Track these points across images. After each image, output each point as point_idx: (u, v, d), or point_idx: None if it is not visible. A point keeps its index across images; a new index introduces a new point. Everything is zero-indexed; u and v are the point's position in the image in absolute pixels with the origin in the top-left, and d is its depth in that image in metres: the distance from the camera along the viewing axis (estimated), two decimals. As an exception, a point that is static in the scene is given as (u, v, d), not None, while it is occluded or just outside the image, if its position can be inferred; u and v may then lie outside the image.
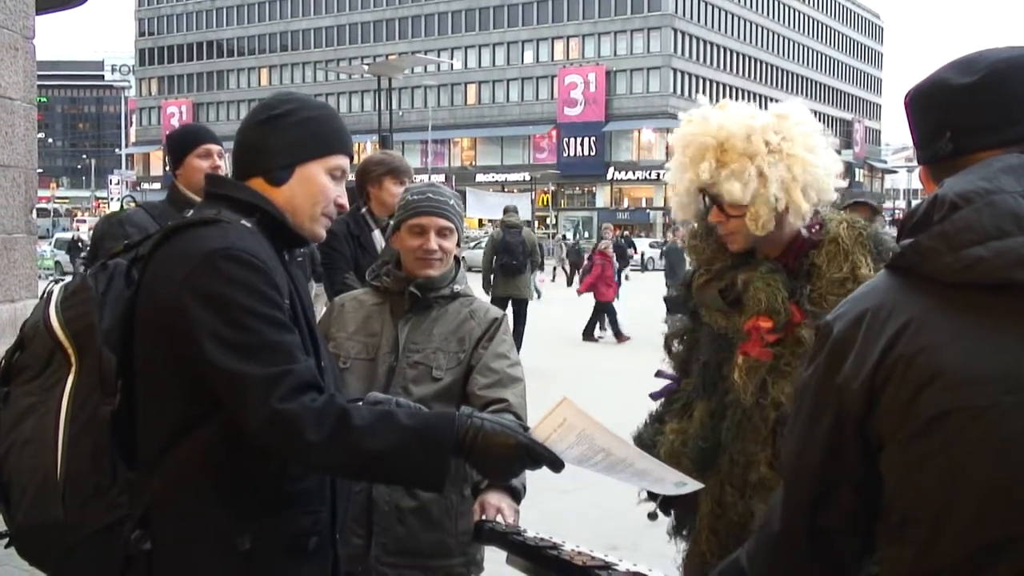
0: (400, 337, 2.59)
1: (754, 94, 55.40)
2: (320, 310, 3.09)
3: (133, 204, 4.06)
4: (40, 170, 7.32)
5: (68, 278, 1.88)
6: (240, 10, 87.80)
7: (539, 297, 22.46)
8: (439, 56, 62.16)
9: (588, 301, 16.70)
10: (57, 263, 32.31)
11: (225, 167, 3.64)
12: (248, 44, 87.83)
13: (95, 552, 1.73)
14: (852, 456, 1.27)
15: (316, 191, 1.87)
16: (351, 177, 3.08)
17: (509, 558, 1.95)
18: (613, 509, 5.13)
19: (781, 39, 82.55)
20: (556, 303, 22.26)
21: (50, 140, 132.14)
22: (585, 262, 18.09)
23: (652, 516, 2.54)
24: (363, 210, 4.38)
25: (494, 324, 2.62)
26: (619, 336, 15.69)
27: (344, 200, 1.93)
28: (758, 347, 2.23)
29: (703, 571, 2.34)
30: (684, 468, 2.33)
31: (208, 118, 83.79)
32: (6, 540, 1.83)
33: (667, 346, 2.55)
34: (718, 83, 69.81)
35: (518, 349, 2.73)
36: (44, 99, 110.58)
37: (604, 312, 15.85)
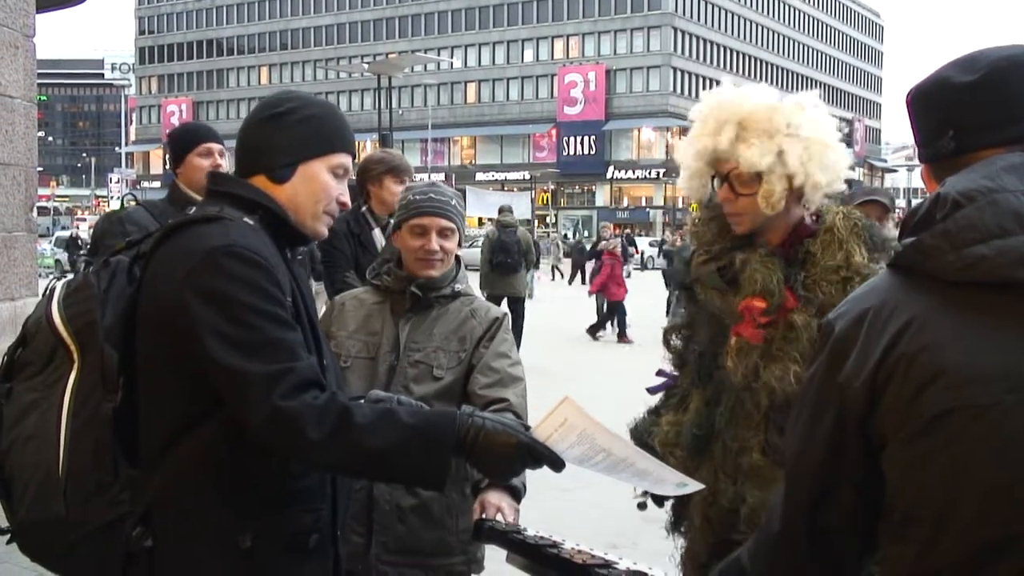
0: (401, 336, 2.59)
1: (754, 93, 54.94)
2: (320, 308, 3.09)
3: (133, 202, 4.06)
4: (40, 168, 7.33)
5: (70, 276, 1.88)
6: (240, 8, 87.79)
7: (531, 296, 22.48)
8: (439, 55, 62.13)
9: (587, 300, 16.72)
10: (57, 261, 32.30)
11: (226, 166, 3.64)
12: (248, 43, 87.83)
13: (96, 549, 1.74)
14: (853, 455, 1.27)
15: (318, 189, 1.87)
16: (352, 175, 3.08)
17: (509, 557, 1.96)
18: (613, 508, 5.13)
19: (781, 38, 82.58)
20: (557, 302, 22.27)
21: (50, 138, 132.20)
22: (593, 262, 18.04)
23: (642, 507, 2.54)
24: (363, 209, 4.38)
25: (495, 323, 2.62)
26: (622, 337, 15.66)
27: (346, 198, 1.93)
28: (750, 328, 2.26)
29: (702, 568, 2.35)
30: (678, 457, 2.37)
31: (208, 116, 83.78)
32: (8, 536, 1.83)
33: (666, 340, 2.56)
34: (718, 82, 69.49)
35: (517, 348, 2.73)
36: (44, 97, 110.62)
37: (616, 311, 15.81)
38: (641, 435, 2.50)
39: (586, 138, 71.46)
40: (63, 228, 44.68)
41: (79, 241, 31.28)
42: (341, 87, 77.64)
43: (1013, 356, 1.16)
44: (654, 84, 71.09)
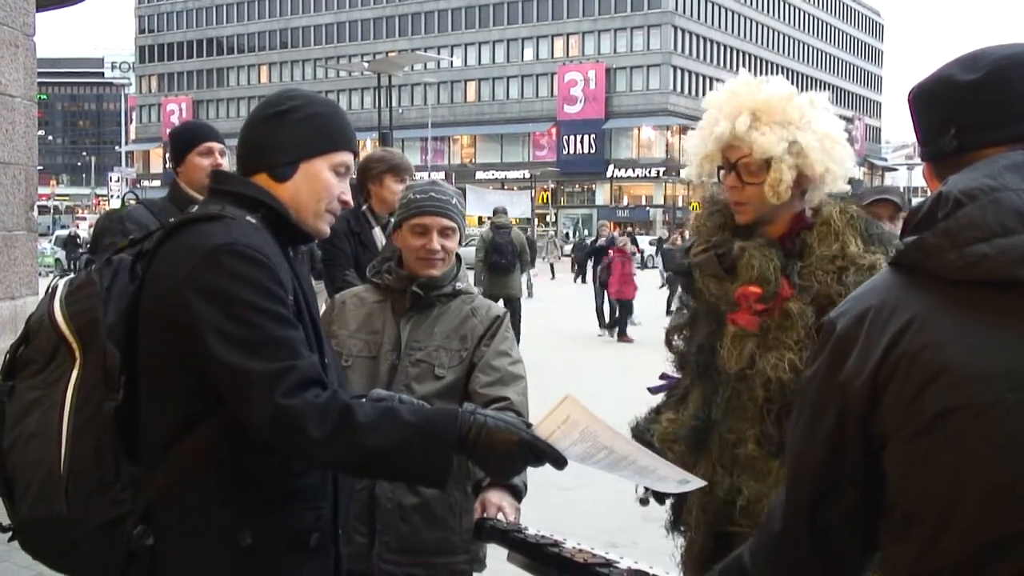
0: (402, 335, 2.59)
1: (754, 92, 54.93)
2: (320, 307, 3.09)
3: (134, 201, 4.07)
4: (40, 167, 7.33)
5: (72, 274, 1.89)
6: (240, 7, 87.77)
7: (530, 295, 22.48)
8: (439, 53, 62.11)
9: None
10: (57, 260, 32.33)
11: (226, 165, 3.64)
12: (248, 41, 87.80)
13: (98, 547, 1.74)
14: (854, 454, 1.27)
15: (320, 187, 1.87)
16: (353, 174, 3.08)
17: (510, 556, 1.96)
18: (613, 507, 5.13)
19: (781, 36, 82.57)
20: (557, 301, 22.27)
21: (50, 137, 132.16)
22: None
23: (644, 503, 2.54)
24: (364, 207, 4.38)
25: (496, 322, 2.62)
26: (623, 336, 15.64)
27: (348, 196, 1.93)
28: (746, 315, 2.29)
29: (702, 567, 2.36)
30: (676, 452, 2.39)
31: (208, 115, 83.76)
32: (9, 534, 1.84)
33: (668, 341, 2.57)
34: (718, 80, 69.48)
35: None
36: (44, 96, 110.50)
37: (623, 309, 15.76)
38: (642, 433, 2.52)
39: (586, 137, 71.45)
40: (62, 227, 44.70)
41: (78, 240, 31.30)
42: (341, 86, 77.60)
43: (1014, 354, 1.16)
44: (654, 83, 71.07)
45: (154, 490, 1.74)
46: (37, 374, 1.79)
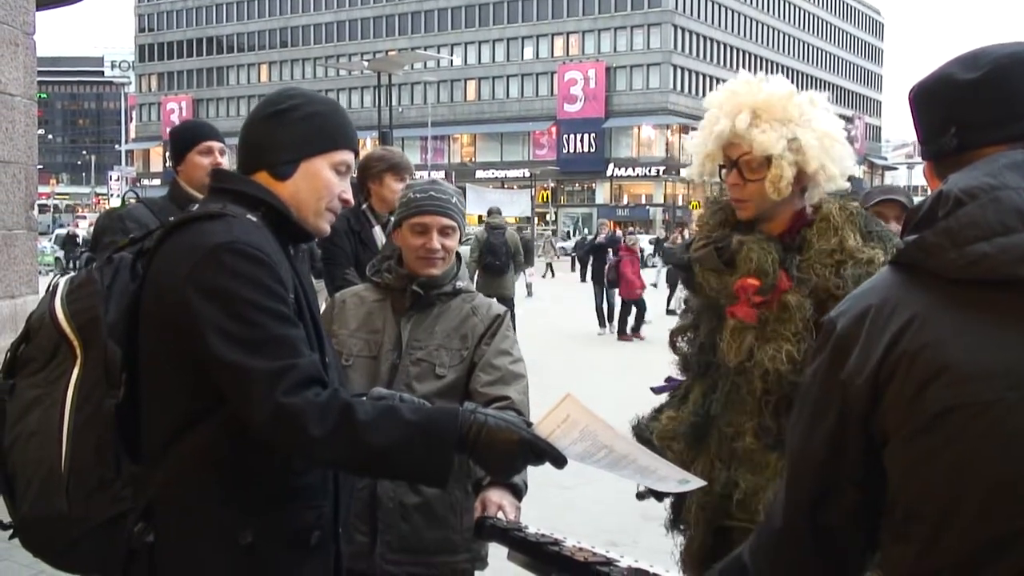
0: (403, 335, 2.58)
1: (754, 91, 54.90)
2: (320, 305, 3.09)
3: (134, 200, 4.07)
4: (40, 166, 7.33)
5: (73, 273, 1.89)
6: (240, 6, 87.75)
7: (530, 295, 22.48)
8: (439, 52, 62.13)
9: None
10: (57, 259, 32.35)
11: (226, 164, 3.64)
12: (248, 40, 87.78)
13: (98, 545, 1.74)
14: (855, 452, 1.27)
15: (320, 186, 1.87)
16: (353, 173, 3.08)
17: (510, 554, 1.96)
18: (613, 506, 5.13)
19: (781, 35, 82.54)
20: (557, 300, 22.27)
21: (50, 136, 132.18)
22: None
23: (641, 497, 2.55)
24: (364, 206, 4.38)
25: (496, 320, 2.62)
26: (622, 333, 15.61)
27: (348, 195, 1.93)
28: (745, 307, 2.31)
29: (701, 563, 2.37)
30: (676, 451, 2.42)
31: (208, 114, 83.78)
32: (10, 532, 1.84)
33: (672, 343, 2.58)
34: (718, 79, 69.42)
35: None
36: (44, 95, 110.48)
37: (637, 307, 15.66)
38: (642, 432, 2.53)
39: (586, 136, 71.45)
40: (60, 226, 44.74)
41: (76, 239, 31.31)
42: (341, 85, 77.61)
43: (1015, 353, 1.16)
44: (654, 82, 71.07)
45: (155, 488, 1.74)
46: (38, 372, 1.79)
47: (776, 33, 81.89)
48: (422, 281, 2.59)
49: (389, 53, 49.91)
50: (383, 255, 2.79)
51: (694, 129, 2.48)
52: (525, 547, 1.91)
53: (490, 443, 1.72)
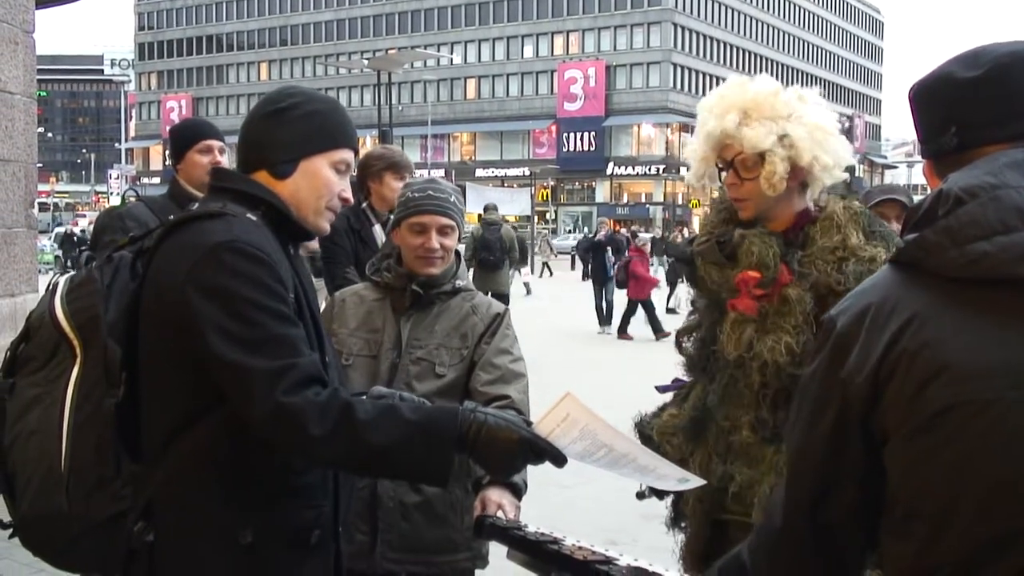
0: (403, 334, 2.58)
1: (754, 89, 54.89)
2: (320, 304, 3.09)
3: (134, 198, 4.07)
4: (40, 164, 7.33)
5: (73, 272, 1.89)
6: (239, 4, 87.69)
7: (528, 293, 22.48)
8: (439, 51, 62.14)
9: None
10: (57, 258, 32.35)
11: (226, 163, 3.64)
12: (247, 38, 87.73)
13: (98, 543, 1.74)
14: (855, 451, 1.27)
15: (320, 185, 1.87)
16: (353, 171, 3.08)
17: (510, 553, 1.96)
18: (613, 504, 5.13)
19: (781, 34, 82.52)
20: (556, 298, 22.26)
21: (50, 134, 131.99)
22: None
23: (641, 496, 2.56)
24: (364, 205, 4.38)
25: (496, 319, 2.62)
26: (623, 332, 15.54)
27: (348, 194, 1.93)
28: (746, 299, 2.34)
29: (700, 557, 2.39)
30: (674, 446, 2.45)
31: (208, 112, 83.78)
32: (10, 531, 1.84)
33: (678, 343, 2.59)
34: (718, 78, 69.52)
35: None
36: (44, 93, 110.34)
37: (646, 307, 15.45)
38: (644, 428, 2.56)
39: (586, 134, 71.44)
40: (58, 225, 44.76)
41: (74, 238, 31.32)
42: (341, 83, 77.56)
43: (1015, 352, 1.16)
44: (654, 80, 71.05)
45: (155, 487, 1.74)
46: (38, 371, 1.79)
47: (776, 32, 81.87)
48: (421, 280, 2.59)
49: (389, 51, 49.93)
50: (383, 254, 2.79)
51: (695, 127, 2.51)
52: (525, 546, 1.91)
53: (490, 442, 1.72)
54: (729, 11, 76.60)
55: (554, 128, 72.95)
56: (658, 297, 17.44)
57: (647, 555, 1.89)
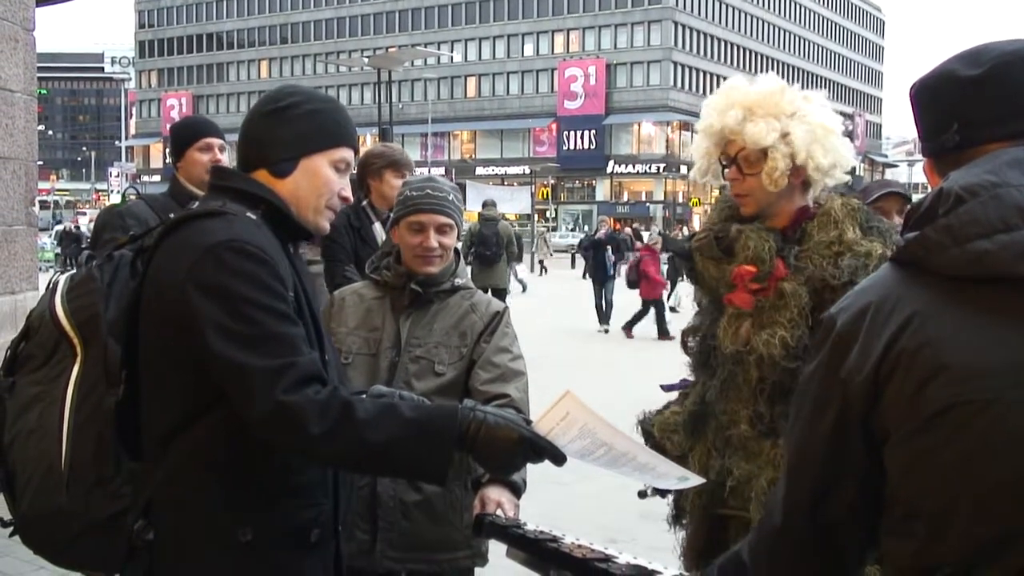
0: (402, 332, 2.58)
1: (755, 88, 54.89)
2: (320, 303, 3.08)
3: (135, 196, 4.07)
4: (40, 162, 7.33)
5: (73, 270, 1.89)
6: (240, 2, 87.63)
7: (524, 290, 22.46)
8: (439, 49, 62.13)
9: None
10: (57, 255, 32.37)
11: (226, 161, 3.64)
12: (248, 36, 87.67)
13: (98, 542, 1.75)
14: (855, 450, 1.27)
15: (320, 183, 1.87)
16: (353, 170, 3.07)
17: (509, 551, 1.96)
18: (612, 503, 5.13)
19: (782, 32, 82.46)
20: (558, 296, 22.25)
21: (50, 132, 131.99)
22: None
23: (642, 495, 2.56)
24: (364, 203, 4.38)
25: (496, 317, 2.62)
26: (628, 330, 15.33)
27: (348, 192, 1.93)
28: (742, 293, 2.37)
29: (699, 553, 2.40)
30: (675, 442, 2.47)
31: (208, 110, 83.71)
32: (10, 529, 1.84)
33: (684, 343, 2.61)
34: (719, 76, 69.72)
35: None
36: (44, 91, 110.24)
37: (656, 307, 15.20)
38: (647, 425, 2.59)
39: (586, 132, 71.40)
40: (57, 223, 44.79)
41: (72, 236, 31.35)
42: (341, 81, 77.55)
43: (1015, 351, 1.15)
44: (654, 78, 71.00)
45: (154, 486, 1.74)
46: (38, 370, 1.80)
47: (776, 30, 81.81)
48: (420, 279, 2.59)
49: (389, 50, 49.94)
50: (382, 252, 2.79)
51: (695, 126, 2.53)
52: (524, 544, 1.91)
53: (489, 440, 1.72)
54: (730, 9, 76.54)
55: (554, 126, 72.91)
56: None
57: (646, 553, 1.89)
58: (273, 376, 1.64)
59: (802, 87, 2.46)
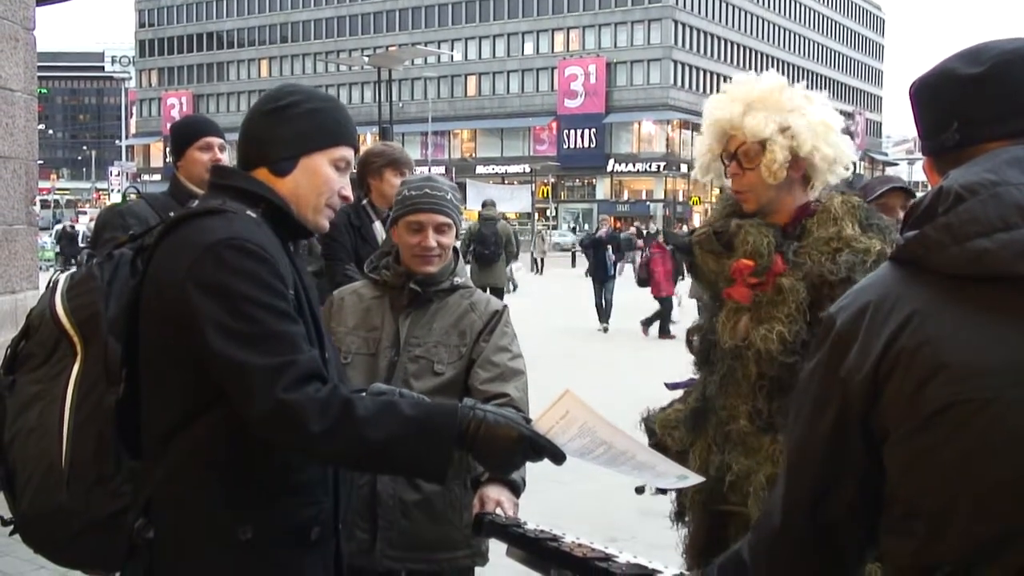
0: (401, 331, 2.58)
1: (755, 86, 54.86)
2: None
3: (135, 195, 4.06)
4: (41, 161, 7.33)
5: (73, 269, 1.90)
6: (240, 1, 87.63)
7: (515, 289, 22.42)
8: (439, 48, 62.09)
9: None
10: (57, 254, 32.38)
11: (226, 160, 3.64)
12: (248, 35, 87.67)
13: (99, 540, 1.75)
14: (855, 449, 1.27)
15: (320, 182, 1.87)
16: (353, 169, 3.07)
17: (509, 550, 1.96)
18: (612, 501, 5.14)
19: (782, 31, 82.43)
20: (558, 295, 22.24)
21: (50, 131, 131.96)
22: (639, 256, 17.62)
23: (640, 491, 2.57)
24: (364, 201, 4.38)
25: (495, 316, 2.62)
26: (646, 327, 15.05)
27: (348, 191, 1.93)
28: (740, 288, 2.38)
29: (699, 550, 2.40)
30: (675, 438, 2.49)
31: (208, 109, 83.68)
32: (10, 528, 1.84)
33: (688, 341, 2.61)
34: (719, 75, 69.68)
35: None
36: (45, 90, 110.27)
37: (663, 305, 14.98)
38: (650, 423, 2.61)
39: (586, 131, 71.40)
40: (57, 222, 44.83)
41: (68, 235, 31.38)
42: (341, 80, 77.54)
43: (1015, 350, 1.15)
44: (655, 77, 70.99)
45: (155, 484, 1.74)
46: (38, 368, 1.80)
47: (777, 29, 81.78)
48: (420, 278, 2.59)
49: (389, 48, 49.89)
50: (381, 251, 2.79)
51: (695, 125, 2.54)
52: (524, 543, 1.91)
53: (489, 439, 1.72)
54: (730, 8, 76.52)
55: (554, 125, 72.90)
56: (646, 295, 17.38)
57: (646, 552, 1.89)
58: (273, 374, 1.64)
59: (803, 86, 2.47)
